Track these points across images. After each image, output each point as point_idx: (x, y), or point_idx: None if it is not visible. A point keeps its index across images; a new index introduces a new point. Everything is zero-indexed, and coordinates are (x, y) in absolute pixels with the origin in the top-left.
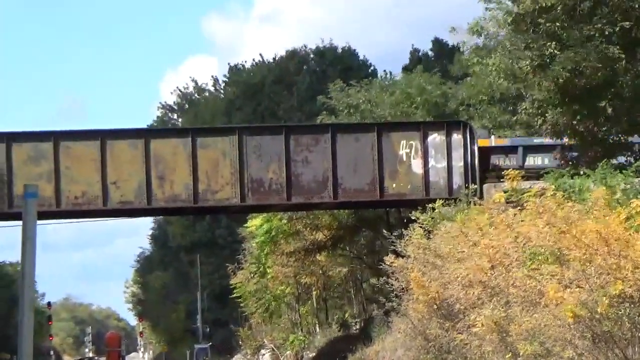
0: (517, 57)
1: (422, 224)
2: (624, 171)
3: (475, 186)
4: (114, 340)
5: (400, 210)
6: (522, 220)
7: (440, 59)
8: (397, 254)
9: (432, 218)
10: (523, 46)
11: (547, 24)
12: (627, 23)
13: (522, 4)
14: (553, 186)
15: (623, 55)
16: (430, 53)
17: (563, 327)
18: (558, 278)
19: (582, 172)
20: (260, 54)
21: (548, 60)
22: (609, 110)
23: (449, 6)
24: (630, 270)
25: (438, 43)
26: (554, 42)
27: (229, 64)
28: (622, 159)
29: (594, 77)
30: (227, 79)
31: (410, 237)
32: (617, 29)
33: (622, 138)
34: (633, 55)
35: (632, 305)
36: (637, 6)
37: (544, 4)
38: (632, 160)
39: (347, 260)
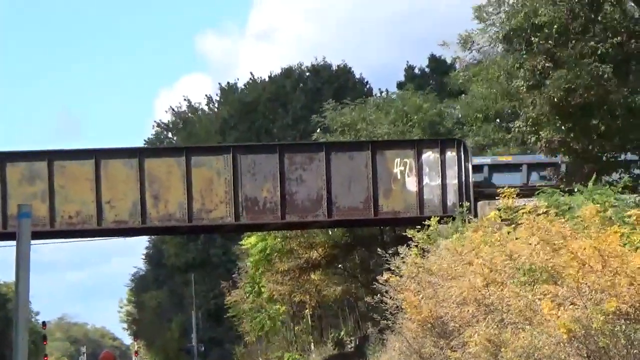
0: (511, 75)
1: (418, 242)
2: (611, 187)
3: (470, 204)
4: (109, 359)
5: (395, 229)
6: (516, 238)
7: (436, 75)
8: (392, 272)
9: (428, 236)
10: (517, 65)
11: (541, 42)
12: (618, 38)
13: (515, 19)
14: (545, 203)
15: (614, 74)
16: (426, 70)
17: (557, 344)
18: (551, 296)
19: (575, 189)
20: (251, 73)
21: (541, 79)
22: (602, 127)
23: (445, 22)
24: (626, 286)
25: (434, 59)
26: (547, 60)
27: (219, 84)
28: (617, 176)
29: (587, 96)
30: (220, 98)
31: (405, 255)
32: (609, 46)
33: (614, 155)
34: (625, 71)
35: (628, 322)
36: (628, 23)
37: (536, 21)
38: (626, 177)
39: (342, 279)
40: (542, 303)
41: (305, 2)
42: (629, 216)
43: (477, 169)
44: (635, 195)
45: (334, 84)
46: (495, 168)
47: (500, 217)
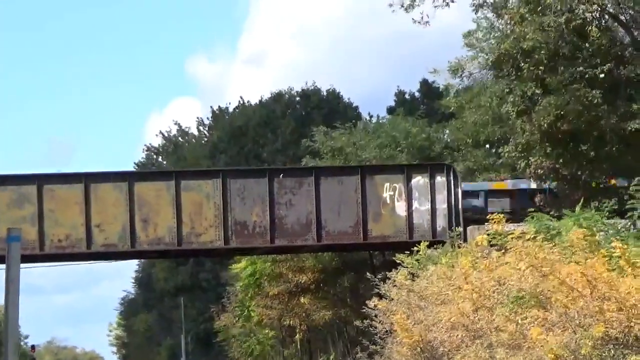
0: (502, 100)
1: (407, 267)
2: (599, 212)
3: (460, 229)
4: None
5: (385, 253)
6: (506, 263)
7: (427, 99)
8: (381, 297)
9: (417, 261)
10: (507, 90)
11: (530, 68)
12: (607, 65)
13: (504, 44)
14: (534, 228)
15: (603, 100)
16: (417, 94)
17: None
18: (540, 321)
19: (564, 215)
20: (241, 97)
21: (531, 104)
22: (592, 153)
23: (435, 47)
24: (615, 312)
25: (425, 84)
26: (536, 87)
27: (211, 106)
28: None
29: (577, 122)
30: (211, 122)
31: (395, 280)
32: (599, 71)
33: (604, 181)
34: (614, 97)
35: (617, 347)
36: (617, 49)
37: (525, 47)
38: (611, 202)
39: (331, 303)
40: (531, 328)
41: (295, 26)
42: (614, 248)
43: (474, 194)
44: (624, 220)
45: (323, 108)
46: (491, 194)
47: (490, 242)
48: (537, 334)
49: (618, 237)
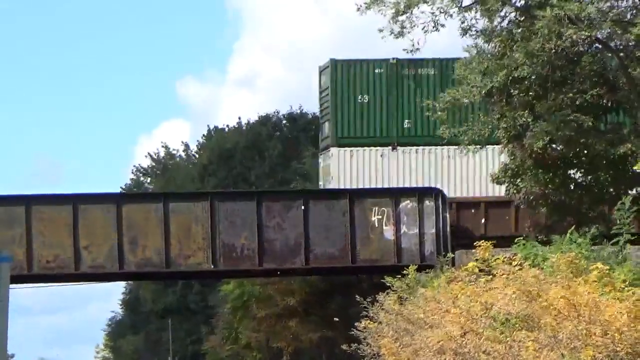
0: (491, 127)
1: (397, 290)
2: (580, 240)
3: (450, 255)
4: None
5: (373, 277)
6: (494, 288)
7: None
8: (370, 319)
9: (407, 285)
10: (497, 117)
11: (521, 94)
12: (597, 90)
13: (497, 76)
14: (520, 254)
15: (593, 124)
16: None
17: None
18: (532, 341)
19: (553, 241)
20: (227, 123)
21: (521, 130)
22: (581, 179)
23: None
24: (600, 336)
25: None
26: (527, 112)
27: (207, 126)
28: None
29: (567, 148)
30: (200, 144)
31: (383, 303)
32: (588, 97)
33: (592, 208)
34: (603, 123)
35: None
36: (608, 74)
37: (517, 75)
38: (593, 229)
39: (319, 326)
40: (525, 345)
41: (285, 50)
42: (595, 268)
43: None
44: (611, 246)
45: (310, 132)
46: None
47: (478, 267)
48: (532, 350)
49: (603, 262)
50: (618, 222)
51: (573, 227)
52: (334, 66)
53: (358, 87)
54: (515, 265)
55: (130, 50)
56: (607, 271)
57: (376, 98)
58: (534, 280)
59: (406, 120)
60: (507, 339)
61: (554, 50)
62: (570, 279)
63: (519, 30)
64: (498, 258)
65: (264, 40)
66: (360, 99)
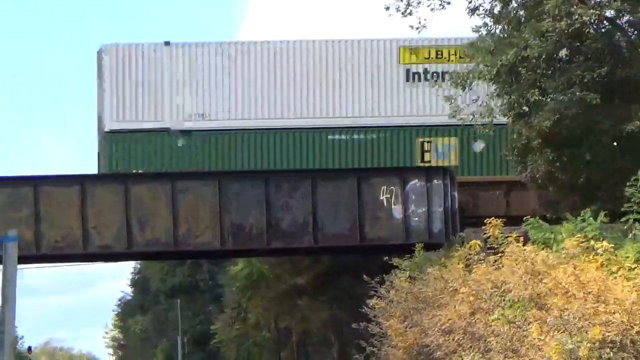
0: (497, 104)
1: (406, 269)
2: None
3: (463, 235)
4: None
5: (381, 256)
6: (502, 266)
7: None
8: (380, 298)
9: (415, 263)
10: (503, 92)
11: (528, 73)
12: (605, 68)
13: (506, 56)
14: (531, 234)
15: (600, 102)
16: None
17: None
18: (539, 322)
19: (563, 219)
20: None
21: (528, 109)
22: (588, 157)
23: None
24: (611, 313)
25: None
26: (535, 91)
27: None
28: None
29: (574, 126)
30: None
31: (393, 282)
32: (595, 75)
33: (600, 186)
34: (611, 101)
35: (615, 350)
36: (615, 52)
37: (525, 54)
38: (602, 214)
39: (328, 305)
40: (531, 327)
41: None
42: (601, 248)
43: None
44: (621, 224)
45: None
46: None
47: (487, 246)
48: (537, 334)
49: (608, 241)
50: (629, 199)
51: (587, 209)
52: None
53: None
54: (524, 246)
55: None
56: (612, 250)
57: None
58: (543, 261)
59: None
60: (516, 319)
61: (565, 30)
62: (579, 259)
63: (528, 11)
64: (509, 236)
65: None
66: None
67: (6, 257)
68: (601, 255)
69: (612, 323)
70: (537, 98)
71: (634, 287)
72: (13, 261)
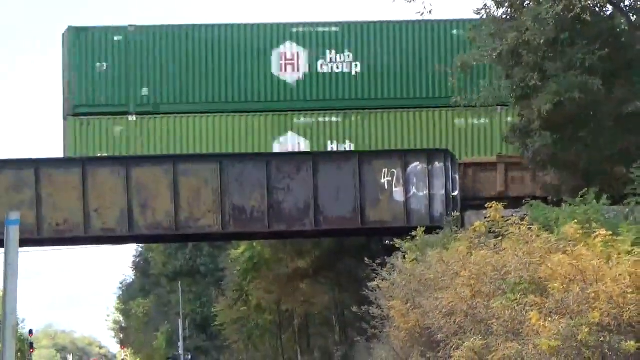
0: (499, 86)
1: (407, 252)
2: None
3: (457, 214)
4: None
5: (382, 238)
6: (503, 249)
7: None
8: (382, 279)
9: (416, 246)
10: (505, 75)
11: (529, 55)
12: (606, 50)
13: (507, 39)
14: (530, 217)
15: (602, 85)
16: None
17: (543, 355)
18: (538, 307)
19: (564, 201)
20: None
21: (530, 92)
22: (589, 139)
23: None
24: (606, 299)
25: None
26: (536, 74)
27: None
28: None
29: (576, 108)
30: None
31: (394, 264)
32: (596, 58)
33: (601, 168)
34: (612, 84)
35: (612, 334)
36: (616, 35)
37: (527, 39)
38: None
39: (329, 287)
40: (530, 314)
41: None
42: (599, 235)
43: None
44: (622, 207)
45: None
46: None
47: (488, 229)
48: (535, 320)
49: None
50: (634, 182)
51: (586, 190)
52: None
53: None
54: (525, 227)
55: None
56: (610, 236)
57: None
58: (543, 245)
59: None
60: (516, 303)
61: (562, 13)
62: (578, 243)
63: None
64: (510, 218)
65: None
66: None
67: (8, 240)
68: (599, 241)
69: (608, 307)
70: (536, 82)
71: (627, 271)
72: (15, 245)
